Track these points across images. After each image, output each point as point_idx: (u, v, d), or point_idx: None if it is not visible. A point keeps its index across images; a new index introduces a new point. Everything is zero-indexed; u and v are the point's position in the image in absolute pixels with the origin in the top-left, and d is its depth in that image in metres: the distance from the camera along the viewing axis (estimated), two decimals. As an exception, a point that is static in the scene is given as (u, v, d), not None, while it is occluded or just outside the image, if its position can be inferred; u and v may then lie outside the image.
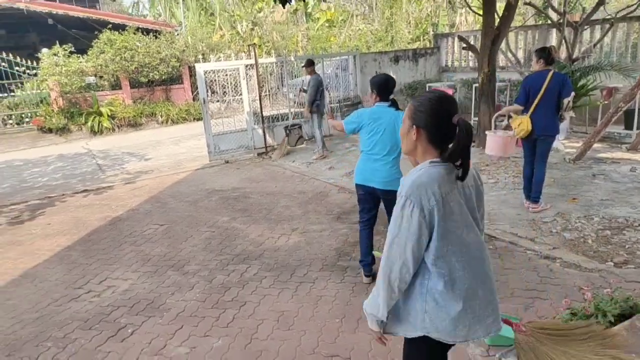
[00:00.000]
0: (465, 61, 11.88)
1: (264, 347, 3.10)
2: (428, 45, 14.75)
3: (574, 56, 8.54)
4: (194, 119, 15.56)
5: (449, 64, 12.11)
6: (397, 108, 3.63)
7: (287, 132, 9.47)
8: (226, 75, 9.27)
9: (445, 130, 1.64)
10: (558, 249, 4.21)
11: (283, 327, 3.31)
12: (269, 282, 4.01)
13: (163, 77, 15.74)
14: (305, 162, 8.35)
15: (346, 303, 3.57)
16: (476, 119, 8.58)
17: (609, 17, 8.72)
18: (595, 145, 7.05)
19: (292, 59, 10.56)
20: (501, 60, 10.32)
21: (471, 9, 10.77)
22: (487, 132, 5.57)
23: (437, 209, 1.57)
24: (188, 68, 16.53)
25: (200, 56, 15.15)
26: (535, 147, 5.04)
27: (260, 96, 9.18)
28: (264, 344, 3.14)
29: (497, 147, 5.27)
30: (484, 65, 7.73)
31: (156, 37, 16.07)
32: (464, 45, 8.66)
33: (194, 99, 16.59)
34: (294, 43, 19.50)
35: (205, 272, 4.31)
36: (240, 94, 9.26)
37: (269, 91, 9.85)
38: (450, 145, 1.63)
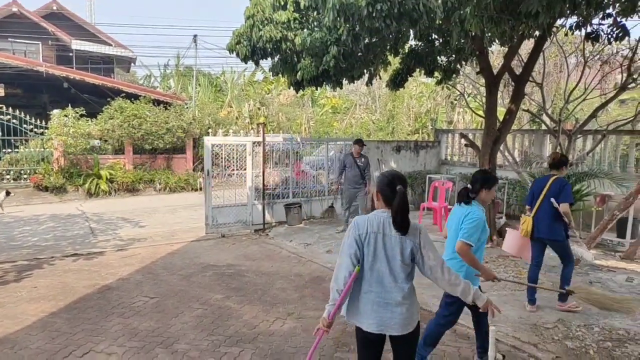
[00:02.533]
0: (463, 156, 12.33)
1: None
2: (427, 138, 15.39)
3: (569, 162, 8.89)
4: (192, 189, 15.68)
5: (449, 157, 12.55)
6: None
7: (287, 210, 9.53)
8: (232, 149, 9.50)
9: (390, 194, 2.53)
10: (561, 358, 4.07)
11: None
12: (263, 371, 3.80)
13: (167, 146, 16.10)
14: (302, 242, 8.29)
15: (345, 402, 3.36)
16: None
17: (601, 128, 9.24)
18: (590, 251, 7.10)
19: (298, 139, 10.91)
20: (499, 159, 10.73)
21: (472, 110, 11.41)
22: (508, 229, 5.63)
23: (363, 237, 2.55)
24: (193, 139, 16.97)
25: (207, 129, 15.66)
26: (543, 249, 5.15)
27: (264, 172, 9.35)
28: None
29: (515, 245, 5.30)
30: (485, 162, 8.01)
31: (166, 109, 16.68)
32: (466, 142, 9.05)
33: (194, 170, 16.83)
34: (298, 124, 20.29)
35: (196, 353, 4.09)
36: (244, 169, 9.42)
37: (272, 168, 10.05)
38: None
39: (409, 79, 9.43)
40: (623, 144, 9.36)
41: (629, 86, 8.47)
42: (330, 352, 4.15)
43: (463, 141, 9.74)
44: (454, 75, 9.54)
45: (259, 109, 20.86)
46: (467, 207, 3.50)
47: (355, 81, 9.07)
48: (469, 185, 3.58)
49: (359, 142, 8.87)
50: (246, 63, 7.83)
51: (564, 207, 4.92)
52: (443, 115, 18.30)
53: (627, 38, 6.08)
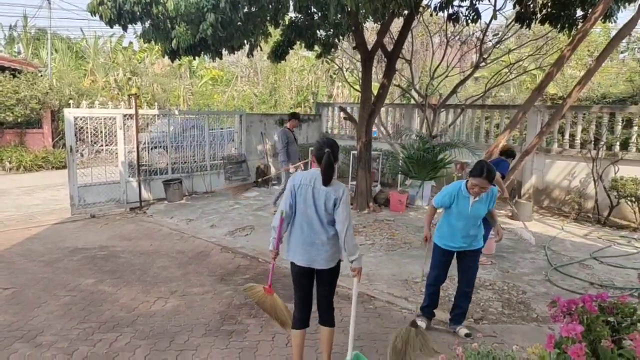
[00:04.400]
0: (343, 129, 12.86)
1: None
2: (309, 111, 15.69)
3: (434, 133, 9.83)
4: (54, 167, 13.98)
5: (329, 130, 12.99)
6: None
7: (166, 187, 9.04)
8: (100, 123, 8.62)
9: (320, 155, 3.09)
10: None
11: (161, 404, 2.98)
12: (144, 352, 3.62)
13: (19, 120, 14.03)
14: (184, 219, 7.97)
15: (232, 371, 3.37)
16: (354, 183, 9.18)
17: (460, 103, 10.34)
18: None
19: (176, 112, 10.32)
20: (374, 131, 11.41)
21: (349, 84, 11.88)
22: None
23: (297, 187, 3.10)
24: (51, 112, 15.04)
25: (68, 101, 13.93)
26: None
27: (138, 148, 8.69)
28: None
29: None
30: (362, 135, 8.46)
31: (14, 77, 14.45)
32: (345, 115, 9.43)
33: (54, 146, 15.00)
34: (176, 97, 19.14)
35: (64, 344, 3.73)
36: (115, 144, 8.64)
37: (147, 144, 9.37)
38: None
39: (290, 52, 9.44)
40: (476, 117, 10.60)
41: (480, 65, 9.56)
42: (217, 325, 4.10)
43: (342, 114, 10.15)
44: (333, 50, 9.80)
45: (129, 79, 19.14)
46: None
47: (236, 52, 8.80)
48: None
49: (297, 116, 8.49)
50: (112, 27, 7.03)
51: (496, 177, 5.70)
52: (324, 89, 18.77)
53: (479, 21, 6.82)
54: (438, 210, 4.12)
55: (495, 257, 6.04)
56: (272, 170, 11.37)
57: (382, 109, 10.66)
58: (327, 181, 3.03)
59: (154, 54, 20.66)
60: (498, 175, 5.64)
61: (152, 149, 9.55)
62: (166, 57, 8.12)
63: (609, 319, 1.78)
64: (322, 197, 3.03)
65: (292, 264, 3.18)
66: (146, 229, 7.38)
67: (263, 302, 3.43)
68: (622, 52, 12.88)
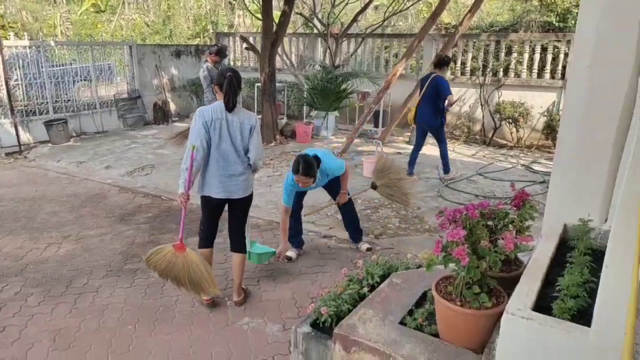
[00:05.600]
0: (246, 61, 12.33)
1: (36, 375, 2.62)
2: (208, 42, 14.73)
3: (336, 63, 9.83)
4: None
5: (232, 63, 12.36)
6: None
7: (48, 128, 8.13)
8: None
9: (222, 81, 3.00)
10: (333, 228, 4.82)
11: (62, 346, 2.86)
12: (38, 299, 3.39)
13: None
14: (74, 161, 7.30)
15: (139, 307, 3.31)
16: (259, 116, 9.01)
17: (361, 32, 10.35)
18: (355, 140, 8.29)
19: (52, 43, 9.07)
20: (278, 63, 11.10)
21: (250, 12, 11.25)
22: (363, 158, 6.74)
23: (209, 123, 3.01)
24: None
25: None
26: (424, 134, 6.45)
27: (7, 85, 7.60)
28: (37, 371, 2.65)
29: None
30: (265, 66, 8.19)
31: None
32: (246, 45, 8.99)
33: None
34: (50, 26, 16.76)
35: (-61, 302, 3.36)
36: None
37: (21, 80, 8.21)
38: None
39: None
40: (376, 46, 10.74)
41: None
42: (119, 265, 3.95)
43: (244, 45, 9.67)
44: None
45: (-10, 4, 16.25)
46: None
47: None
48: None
49: (221, 50, 7.35)
50: None
51: (450, 99, 6.07)
52: (224, 18, 17.56)
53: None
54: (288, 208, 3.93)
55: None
56: (172, 106, 10.71)
57: (285, 39, 10.33)
58: (230, 105, 3.00)
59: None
60: (450, 97, 6.10)
61: (27, 85, 8.41)
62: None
63: (488, 223, 1.99)
64: (237, 127, 3.05)
65: (207, 198, 3.18)
66: (29, 175, 6.67)
67: (171, 269, 3.02)
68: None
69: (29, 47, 8.42)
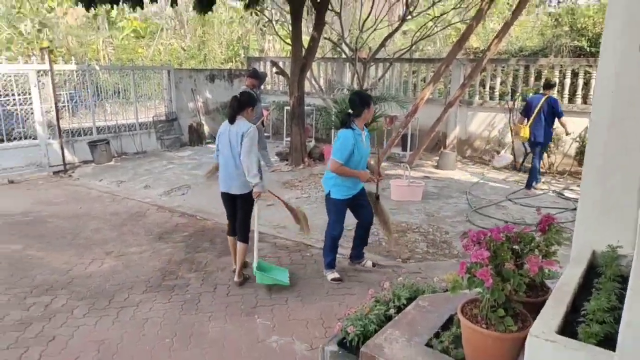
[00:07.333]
0: (276, 85, 12.70)
1: (83, 383, 2.80)
2: (240, 66, 15.25)
3: (364, 87, 10.03)
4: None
5: (262, 86, 12.75)
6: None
7: (92, 148, 8.60)
8: (9, 80, 7.89)
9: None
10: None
11: (106, 357, 3.05)
12: (83, 312, 3.62)
13: None
14: (115, 180, 7.69)
15: (176, 322, 3.48)
16: (288, 139, 9.25)
17: (389, 57, 10.56)
18: (383, 164, 8.40)
19: (97, 67, 9.65)
20: (307, 87, 11.40)
21: (280, 37, 11.65)
22: (392, 181, 6.94)
23: (219, 136, 3.95)
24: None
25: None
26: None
27: (57, 107, 8.12)
28: (84, 379, 2.84)
29: (402, 193, 6.64)
30: (294, 89, 8.46)
31: None
32: (277, 70, 9.32)
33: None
34: (94, 51, 17.71)
35: (-6, 311, 3.63)
36: (30, 103, 7.99)
37: (67, 102, 8.74)
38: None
39: (217, 1, 9.04)
40: (404, 71, 10.91)
41: (407, 17, 9.73)
42: (157, 282, 4.16)
43: (274, 69, 10.02)
44: (261, 0, 9.51)
45: (39, 30, 17.33)
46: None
47: (158, 0, 8.31)
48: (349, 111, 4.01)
49: (255, 74, 7.82)
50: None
51: (563, 120, 6.83)
52: (254, 43, 18.16)
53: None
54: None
55: (422, 202, 6.50)
56: (206, 128, 11.11)
57: (314, 64, 10.64)
58: (231, 120, 3.83)
59: (65, 2, 18.76)
60: (563, 118, 6.81)
61: (73, 107, 8.96)
62: (80, 5, 7.49)
63: (513, 247, 2.05)
64: (234, 136, 3.79)
65: (221, 192, 4.09)
66: (74, 193, 7.07)
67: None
68: (536, 6, 13.62)
69: (76, 71, 8.99)
